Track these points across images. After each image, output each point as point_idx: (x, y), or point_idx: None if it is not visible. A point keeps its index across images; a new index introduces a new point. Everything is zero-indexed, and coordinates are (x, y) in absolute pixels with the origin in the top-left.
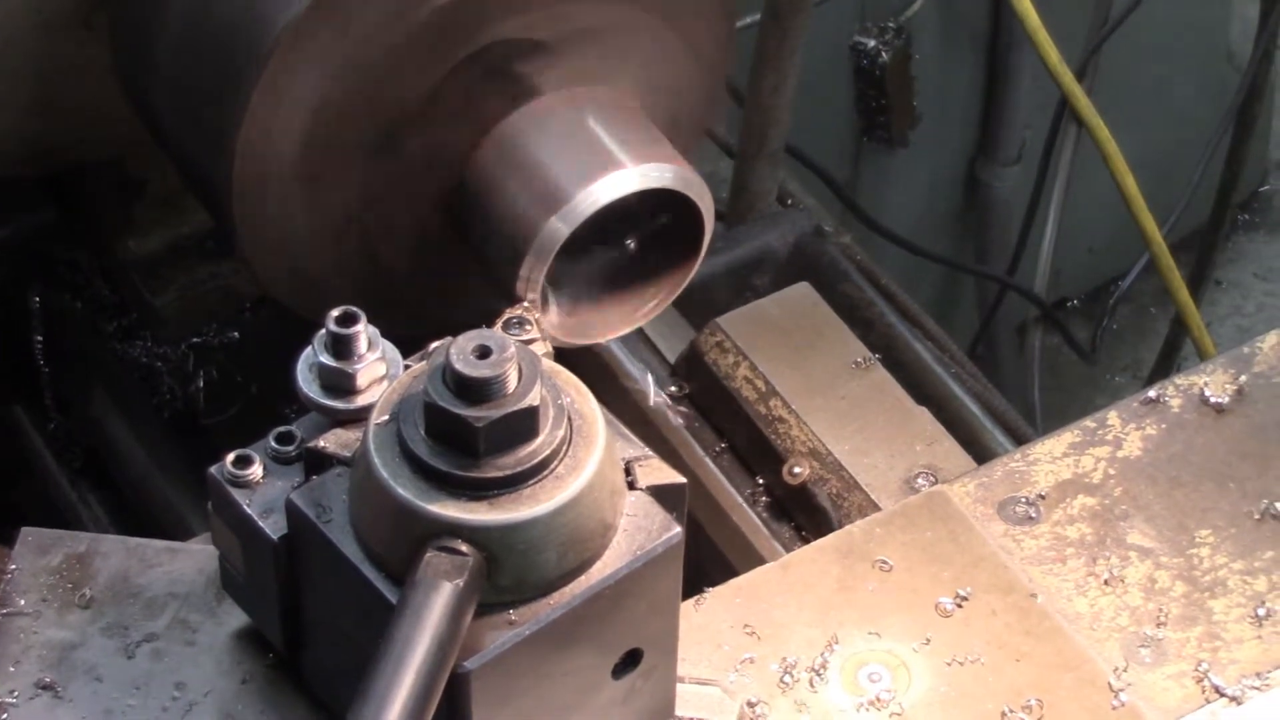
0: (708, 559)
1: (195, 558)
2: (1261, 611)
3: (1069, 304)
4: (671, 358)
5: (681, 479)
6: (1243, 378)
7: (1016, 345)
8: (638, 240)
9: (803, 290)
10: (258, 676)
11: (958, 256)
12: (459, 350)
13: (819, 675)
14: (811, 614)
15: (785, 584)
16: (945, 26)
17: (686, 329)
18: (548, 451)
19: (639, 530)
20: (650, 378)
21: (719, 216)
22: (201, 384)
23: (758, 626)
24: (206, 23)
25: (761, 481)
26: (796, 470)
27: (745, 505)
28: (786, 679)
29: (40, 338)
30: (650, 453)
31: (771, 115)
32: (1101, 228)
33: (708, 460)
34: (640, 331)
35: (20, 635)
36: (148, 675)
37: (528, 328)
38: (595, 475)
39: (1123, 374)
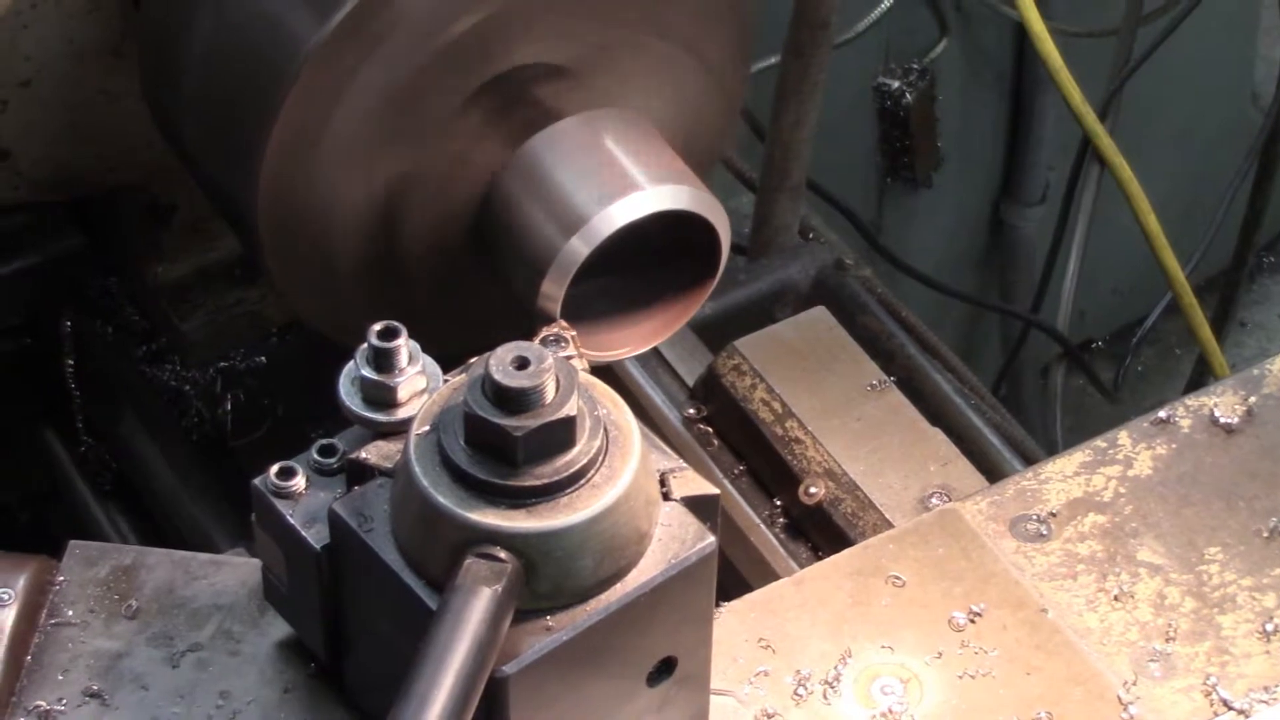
0: (727, 579)
1: (238, 570)
2: (1269, 627)
3: (1095, 345)
4: (690, 381)
5: (714, 490)
6: (1252, 399)
7: (1041, 385)
8: (655, 260)
9: (818, 314)
10: (300, 686)
11: (982, 297)
12: (498, 361)
13: (832, 688)
14: (825, 628)
15: (799, 599)
16: (969, 68)
17: (706, 355)
18: (585, 461)
19: (673, 539)
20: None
21: (740, 250)
22: (229, 407)
23: (772, 640)
24: (233, 47)
25: (779, 502)
26: (813, 490)
27: (763, 526)
28: (800, 691)
29: (71, 362)
30: (684, 464)
31: (792, 149)
32: (1126, 268)
33: (726, 482)
34: (659, 355)
35: (69, 645)
36: (192, 684)
37: (564, 345)
38: (631, 484)
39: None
